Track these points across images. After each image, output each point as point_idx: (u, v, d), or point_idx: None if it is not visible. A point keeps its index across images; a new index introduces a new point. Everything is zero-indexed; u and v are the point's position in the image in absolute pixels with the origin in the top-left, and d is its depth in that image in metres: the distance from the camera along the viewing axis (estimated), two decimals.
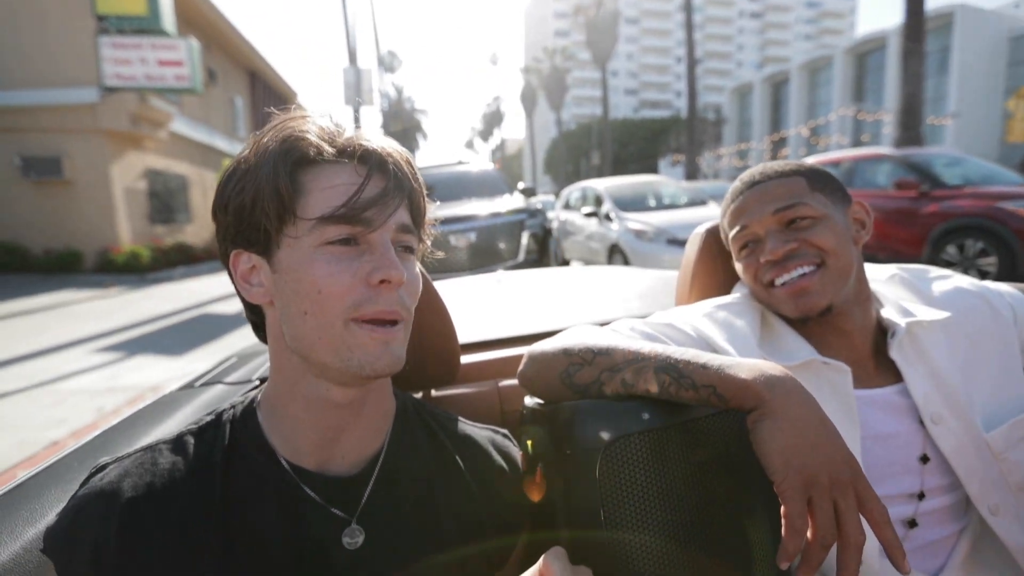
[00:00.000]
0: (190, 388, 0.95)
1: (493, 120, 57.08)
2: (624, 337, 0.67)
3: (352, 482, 0.56)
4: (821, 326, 0.77)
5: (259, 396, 0.59)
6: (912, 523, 0.71)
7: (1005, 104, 15.86)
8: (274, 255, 0.51)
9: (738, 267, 0.83)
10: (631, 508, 0.55)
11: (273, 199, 0.49)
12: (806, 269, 0.74)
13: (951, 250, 5.16)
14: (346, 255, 0.50)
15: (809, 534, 0.47)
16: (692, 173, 21.05)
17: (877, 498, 0.49)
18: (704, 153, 34.35)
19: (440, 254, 0.65)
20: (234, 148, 16.23)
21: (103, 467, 0.52)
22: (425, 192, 0.58)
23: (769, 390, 0.51)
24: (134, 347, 4.92)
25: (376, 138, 0.54)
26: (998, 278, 4.74)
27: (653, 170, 36.52)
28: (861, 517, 0.48)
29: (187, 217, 13.75)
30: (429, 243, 0.61)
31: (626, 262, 6.09)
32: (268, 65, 17.87)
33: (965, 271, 5.00)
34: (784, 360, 0.72)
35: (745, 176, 0.83)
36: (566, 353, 0.65)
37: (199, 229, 14.27)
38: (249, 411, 0.58)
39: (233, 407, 0.59)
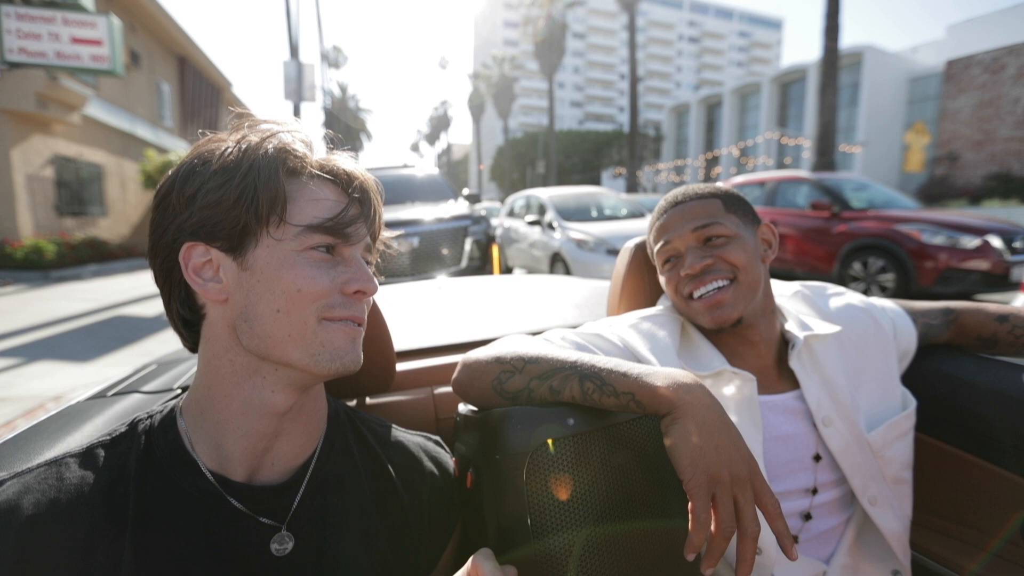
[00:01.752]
0: (101, 398, 0.89)
1: (440, 124, 56.68)
2: (554, 346, 0.70)
3: (282, 489, 0.56)
4: (732, 337, 0.84)
5: (181, 404, 0.57)
6: (807, 516, 0.79)
7: (903, 137, 17.72)
8: (248, 253, 0.52)
9: (662, 280, 0.89)
10: (556, 509, 0.58)
11: (267, 201, 0.51)
12: (721, 283, 0.81)
13: (856, 267, 5.69)
14: (325, 262, 0.54)
15: (712, 527, 0.52)
16: (632, 186, 21.94)
17: (771, 493, 0.54)
18: (644, 167, 35.84)
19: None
20: (159, 138, 15.12)
21: None
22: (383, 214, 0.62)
23: (680, 397, 0.56)
24: (33, 352, 4.45)
25: (351, 162, 0.58)
26: (895, 293, 5.27)
27: (596, 181, 37.67)
28: (757, 510, 0.54)
29: (101, 210, 12.65)
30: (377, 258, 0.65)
31: (567, 271, 6.24)
32: (200, 51, 16.83)
33: (868, 286, 5.53)
34: (699, 369, 0.79)
35: (669, 196, 0.90)
36: (498, 361, 0.67)
37: (115, 224, 13.16)
38: (169, 420, 0.56)
39: (150, 416, 0.57)
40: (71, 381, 3.72)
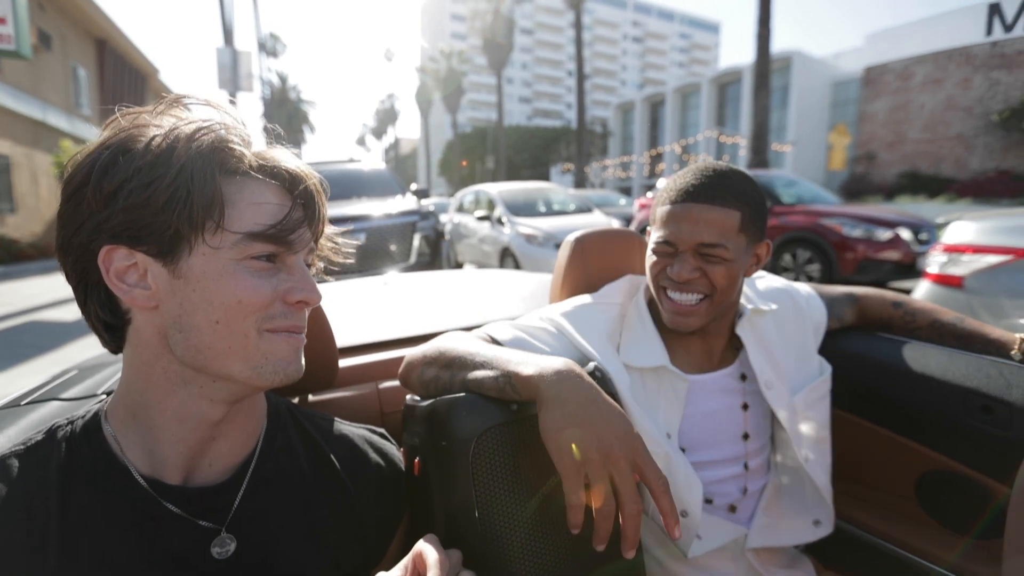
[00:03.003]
0: (14, 407, 0.82)
1: (387, 118, 55.37)
2: (471, 340, 0.74)
3: (221, 490, 0.54)
4: (686, 334, 0.88)
5: (106, 408, 0.54)
6: (744, 490, 0.87)
7: (828, 138, 19.02)
8: (180, 261, 0.47)
9: (648, 255, 0.87)
10: (501, 492, 0.60)
11: (202, 206, 0.46)
12: (697, 297, 0.82)
13: (787, 258, 6.07)
14: (266, 271, 0.50)
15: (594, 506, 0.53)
16: (580, 182, 22.37)
17: (656, 470, 0.55)
18: (592, 163, 36.57)
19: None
20: (76, 127, 13.93)
21: None
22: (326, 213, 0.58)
23: (545, 383, 0.59)
24: None
25: (293, 159, 0.54)
26: (820, 281, 5.67)
27: (545, 177, 38.03)
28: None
29: (10, 206, 11.54)
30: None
31: (517, 265, 6.29)
32: (121, 34, 15.62)
33: (797, 276, 5.92)
34: (638, 360, 0.84)
35: (697, 176, 0.81)
36: (424, 354, 0.74)
37: (26, 221, 12.04)
38: (93, 425, 0.53)
39: (71, 423, 0.54)
40: None
